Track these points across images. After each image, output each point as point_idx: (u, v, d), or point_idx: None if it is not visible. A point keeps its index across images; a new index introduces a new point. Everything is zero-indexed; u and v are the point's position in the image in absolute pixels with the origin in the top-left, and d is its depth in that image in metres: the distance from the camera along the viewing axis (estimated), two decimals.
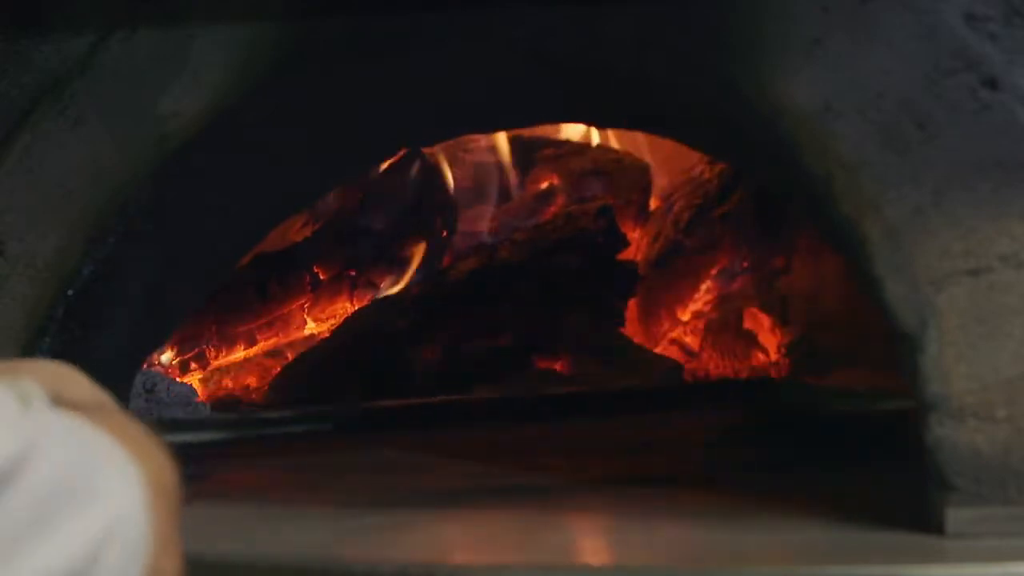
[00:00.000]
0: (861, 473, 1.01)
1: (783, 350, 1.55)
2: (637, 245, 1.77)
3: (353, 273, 1.76)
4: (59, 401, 0.44)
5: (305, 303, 1.76)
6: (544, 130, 1.87)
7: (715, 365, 1.62)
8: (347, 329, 1.65)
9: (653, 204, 1.84)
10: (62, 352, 1.02)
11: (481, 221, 1.83)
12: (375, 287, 1.75)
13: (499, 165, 1.84)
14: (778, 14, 0.89)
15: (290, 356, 1.69)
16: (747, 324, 1.61)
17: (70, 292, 1.04)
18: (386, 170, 1.77)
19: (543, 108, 1.18)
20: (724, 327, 1.63)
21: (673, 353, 1.67)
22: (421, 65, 1.05)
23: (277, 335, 1.74)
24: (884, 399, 1.16)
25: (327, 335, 1.68)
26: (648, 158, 1.86)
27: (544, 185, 1.86)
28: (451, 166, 1.85)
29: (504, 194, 1.85)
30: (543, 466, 1.16)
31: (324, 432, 1.47)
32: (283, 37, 1.03)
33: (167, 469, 0.44)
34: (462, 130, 1.52)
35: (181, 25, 1.04)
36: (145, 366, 1.47)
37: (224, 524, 0.87)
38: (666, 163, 1.83)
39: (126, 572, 0.38)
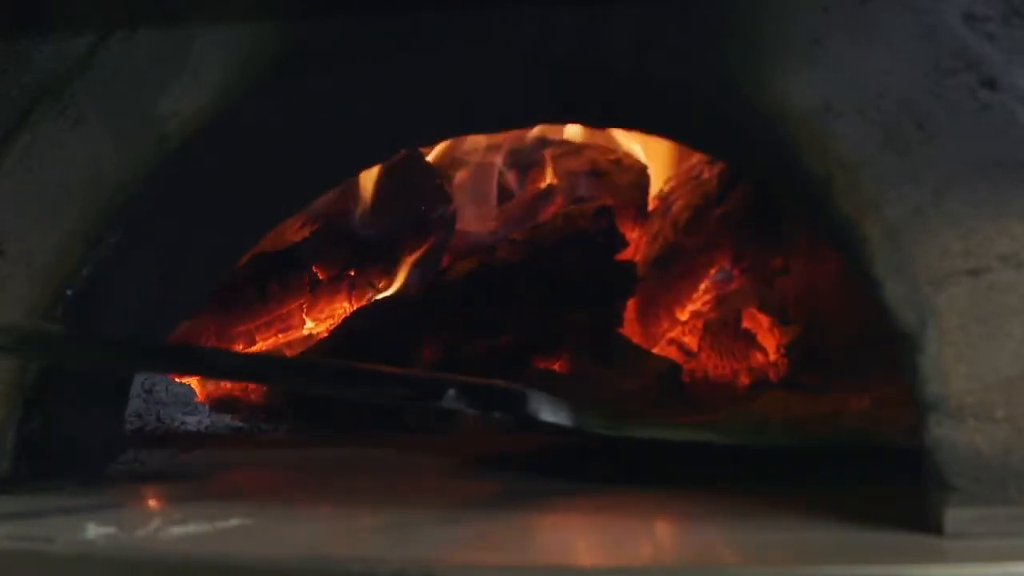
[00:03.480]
0: (860, 474, 1.01)
1: (782, 350, 1.55)
2: (636, 245, 1.77)
3: (352, 273, 1.76)
4: None
5: (304, 303, 1.75)
6: (544, 130, 1.87)
7: (714, 365, 1.62)
8: (346, 329, 1.65)
9: (652, 204, 1.84)
10: None
11: (481, 221, 1.83)
12: (374, 287, 1.75)
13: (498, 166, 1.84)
14: (778, 14, 0.89)
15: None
16: (746, 324, 1.61)
17: (70, 292, 1.04)
18: (386, 170, 1.77)
19: (543, 108, 1.18)
20: (723, 327, 1.64)
21: (672, 353, 1.67)
22: (421, 65, 1.05)
23: (276, 335, 1.74)
24: None
25: (326, 335, 1.68)
26: (647, 158, 1.86)
27: (543, 185, 1.86)
28: (451, 166, 1.85)
29: (504, 195, 1.85)
30: (543, 466, 1.17)
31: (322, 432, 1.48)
32: (283, 37, 1.03)
33: None
34: (462, 130, 1.52)
35: (181, 25, 1.04)
36: None
37: (224, 524, 0.87)
38: (666, 163, 1.83)
39: None
